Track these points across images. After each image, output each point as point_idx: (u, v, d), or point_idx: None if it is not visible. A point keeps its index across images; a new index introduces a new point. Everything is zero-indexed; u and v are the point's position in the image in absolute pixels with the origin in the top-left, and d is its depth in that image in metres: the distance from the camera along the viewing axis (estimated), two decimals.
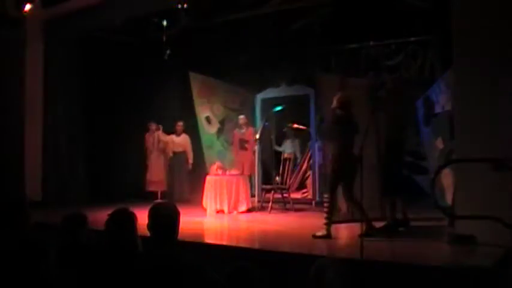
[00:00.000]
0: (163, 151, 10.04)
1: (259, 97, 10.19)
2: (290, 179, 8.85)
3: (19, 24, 8.57)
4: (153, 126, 10.04)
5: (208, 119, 10.33)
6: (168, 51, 9.00)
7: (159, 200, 4.83)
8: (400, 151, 6.11)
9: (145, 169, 10.09)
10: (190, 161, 9.89)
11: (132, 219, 3.02)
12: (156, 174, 9.98)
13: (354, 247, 4.14)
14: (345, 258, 4.12)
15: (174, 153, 9.92)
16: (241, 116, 9.46)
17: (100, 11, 8.45)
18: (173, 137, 9.94)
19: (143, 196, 9.91)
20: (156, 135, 10.05)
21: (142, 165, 10.15)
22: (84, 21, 8.83)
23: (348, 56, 11.12)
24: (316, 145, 9.15)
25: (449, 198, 6.81)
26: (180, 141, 9.93)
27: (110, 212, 3.07)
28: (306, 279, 2.71)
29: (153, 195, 9.75)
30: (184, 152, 9.88)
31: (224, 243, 5.51)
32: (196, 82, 10.71)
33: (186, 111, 10.33)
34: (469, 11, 4.90)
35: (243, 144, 9.42)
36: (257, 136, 8.79)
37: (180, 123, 9.92)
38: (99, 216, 3.40)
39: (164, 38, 8.74)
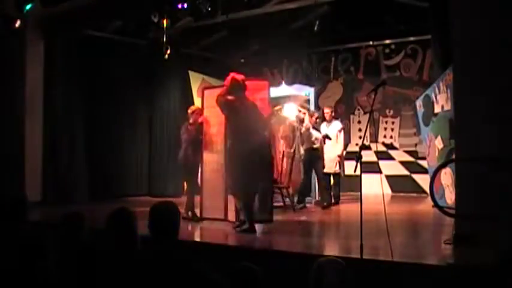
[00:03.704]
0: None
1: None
2: (289, 178, 8.81)
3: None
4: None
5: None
6: (168, 52, 8.98)
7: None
8: (232, 153, 5.96)
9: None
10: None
11: (132, 218, 3.02)
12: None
13: (354, 247, 4.14)
14: (345, 258, 4.11)
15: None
16: None
17: (100, 11, 8.44)
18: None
19: (143, 195, 9.92)
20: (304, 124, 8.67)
21: (142, 165, 10.11)
22: (84, 21, 8.82)
23: (348, 55, 11.16)
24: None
25: (449, 198, 6.83)
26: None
27: (109, 211, 3.07)
28: (306, 279, 2.71)
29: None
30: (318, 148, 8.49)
31: (224, 243, 5.50)
32: (196, 81, 10.72)
33: (186, 110, 10.34)
34: (468, 10, 4.90)
35: None
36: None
37: (328, 111, 8.73)
38: (99, 216, 3.40)
39: (164, 38, 8.74)
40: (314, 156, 8.36)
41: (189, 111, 7.22)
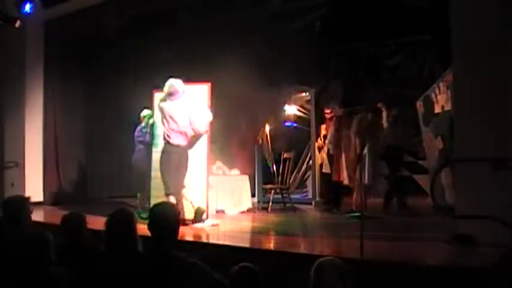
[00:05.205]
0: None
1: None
2: (290, 178, 8.83)
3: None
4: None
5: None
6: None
7: None
8: (163, 153, 6.37)
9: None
10: None
11: (131, 219, 3.02)
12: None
13: (354, 247, 4.14)
14: (345, 258, 4.11)
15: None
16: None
17: (100, 11, 8.45)
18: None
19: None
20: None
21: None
22: (84, 21, 8.83)
23: (348, 55, 11.14)
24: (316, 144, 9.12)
25: (449, 198, 6.82)
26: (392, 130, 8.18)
27: (110, 212, 3.07)
28: (306, 279, 2.71)
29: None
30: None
31: (224, 243, 5.50)
32: None
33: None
34: (469, 10, 4.90)
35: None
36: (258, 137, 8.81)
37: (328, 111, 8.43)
38: (99, 216, 3.41)
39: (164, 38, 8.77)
40: (398, 155, 8.00)
41: (142, 115, 7.78)
